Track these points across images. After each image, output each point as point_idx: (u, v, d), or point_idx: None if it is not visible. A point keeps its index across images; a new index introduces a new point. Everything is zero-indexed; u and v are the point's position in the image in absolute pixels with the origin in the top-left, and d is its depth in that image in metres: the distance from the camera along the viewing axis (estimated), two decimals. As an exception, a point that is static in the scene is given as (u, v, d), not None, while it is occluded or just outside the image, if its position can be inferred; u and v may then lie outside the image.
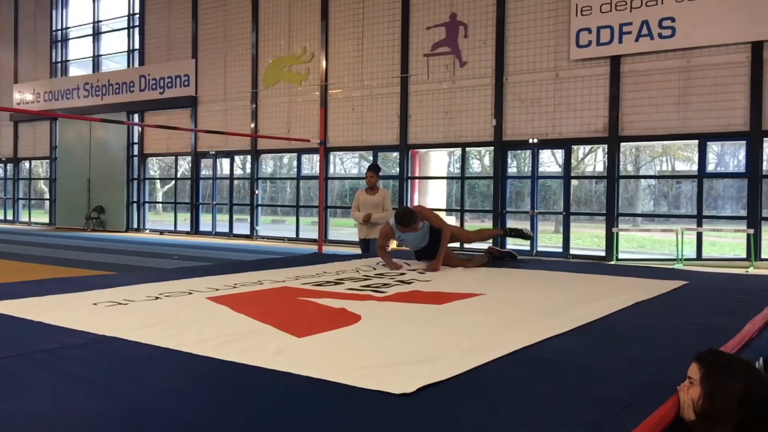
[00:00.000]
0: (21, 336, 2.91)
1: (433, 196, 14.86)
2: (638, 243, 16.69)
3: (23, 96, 21.78)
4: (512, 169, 14.14)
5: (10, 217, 23.15)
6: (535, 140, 12.55)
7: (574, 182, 12.92)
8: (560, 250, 12.59)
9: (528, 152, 13.31)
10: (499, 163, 12.98)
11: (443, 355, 2.61)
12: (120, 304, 3.66)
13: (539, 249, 12.83)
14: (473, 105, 13.28)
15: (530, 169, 13.12)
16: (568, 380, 2.35)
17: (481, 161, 15.82)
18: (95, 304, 3.64)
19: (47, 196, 22.45)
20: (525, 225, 12.13)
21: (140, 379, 2.30)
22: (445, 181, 14.95)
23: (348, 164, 19.94)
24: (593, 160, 17.32)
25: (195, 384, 2.29)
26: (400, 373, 2.35)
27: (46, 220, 22.08)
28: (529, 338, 2.89)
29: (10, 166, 23.02)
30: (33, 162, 22.85)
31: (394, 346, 2.80)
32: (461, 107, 13.43)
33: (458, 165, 13.67)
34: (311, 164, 16.73)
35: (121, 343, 2.79)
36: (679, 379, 2.18)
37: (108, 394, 2.14)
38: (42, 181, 23.29)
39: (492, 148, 13.25)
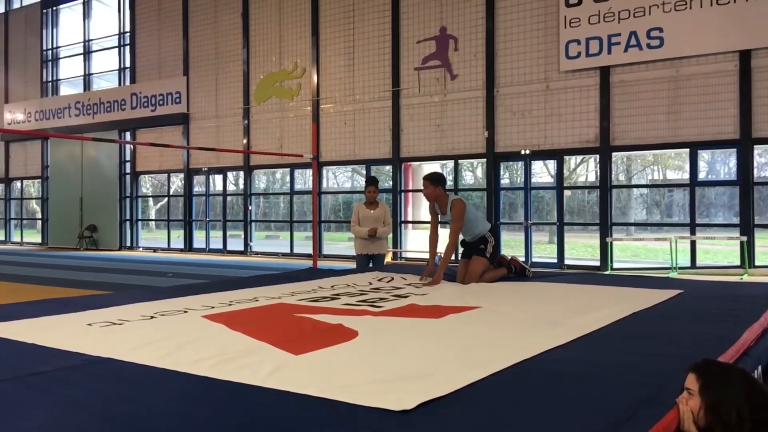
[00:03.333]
0: (14, 359, 2.87)
1: (427, 209, 14.89)
2: (632, 252, 16.75)
3: (14, 116, 21.73)
4: (505, 181, 14.19)
5: (2, 237, 23.02)
6: (527, 151, 12.61)
7: (567, 192, 12.97)
8: (555, 260, 12.61)
9: (520, 163, 13.37)
10: (492, 174, 13.01)
11: (442, 370, 2.60)
12: (115, 324, 3.63)
13: (534, 260, 12.85)
14: (465, 117, 13.34)
15: (523, 180, 13.17)
16: (568, 393, 2.34)
17: (473, 173, 15.87)
18: (90, 324, 3.60)
19: (39, 215, 22.35)
20: (519, 236, 12.15)
21: (136, 401, 2.27)
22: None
23: (341, 178, 19.96)
24: (585, 170, 17.40)
25: (191, 405, 2.26)
26: (399, 389, 2.34)
27: (38, 239, 21.97)
28: (527, 351, 2.87)
29: (1, 186, 22.92)
30: (25, 182, 22.76)
31: (392, 362, 2.78)
32: (453, 120, 13.49)
33: (451, 177, 13.69)
34: (304, 179, 16.73)
35: (116, 364, 2.76)
36: (678, 390, 2.18)
37: (103, 417, 2.11)
38: (34, 200, 23.19)
39: (484, 160, 13.30)
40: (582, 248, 15.60)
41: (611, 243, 11.92)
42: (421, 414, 2.09)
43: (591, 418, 2.06)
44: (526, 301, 4.57)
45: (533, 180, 13.38)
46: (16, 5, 22.36)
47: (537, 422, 2.05)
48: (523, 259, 12.14)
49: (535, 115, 12.56)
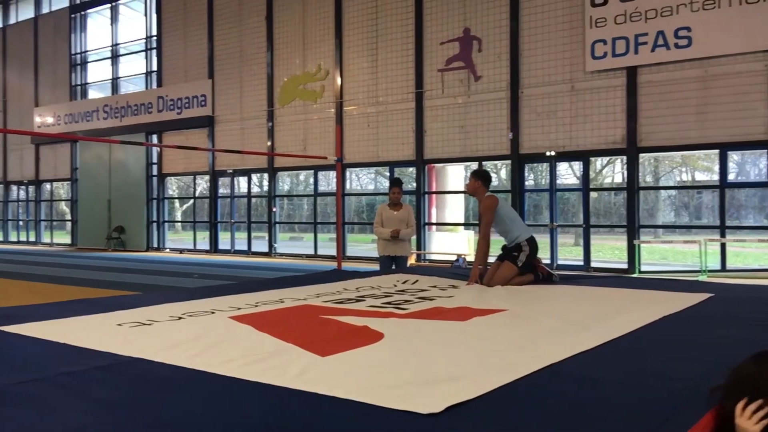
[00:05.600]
0: (46, 358, 2.92)
1: (451, 210, 14.85)
2: (660, 255, 16.51)
3: (44, 119, 22.14)
4: (529, 182, 14.09)
5: (32, 238, 23.46)
6: (553, 153, 12.50)
7: (593, 194, 12.83)
8: (581, 263, 12.48)
9: (545, 165, 13.26)
10: (516, 176, 12.93)
11: (469, 373, 2.58)
12: (144, 324, 3.67)
13: (559, 262, 12.73)
14: (489, 119, 13.28)
15: (548, 181, 13.06)
16: (597, 398, 2.31)
17: (497, 175, 15.79)
18: (119, 324, 3.65)
19: (68, 217, 22.74)
20: (544, 238, 12.04)
21: (166, 401, 2.30)
22: (462, 195, 14.92)
23: (364, 180, 19.97)
24: (611, 171, 17.20)
25: (220, 405, 2.27)
26: (427, 392, 2.33)
27: (67, 240, 22.34)
28: (555, 355, 2.84)
29: (32, 188, 23.37)
30: (54, 184, 23.19)
31: (418, 364, 2.77)
32: (477, 121, 13.43)
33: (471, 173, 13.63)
34: (327, 180, 16.79)
35: (145, 365, 2.79)
36: (713, 395, 2.13)
37: (133, 417, 2.14)
38: (63, 202, 23.60)
39: (509, 161, 13.22)
40: (609, 251, 15.42)
41: (639, 245, 11.76)
42: (449, 417, 2.08)
43: (621, 425, 2.03)
44: (553, 305, 4.53)
45: (558, 181, 13.26)
46: (45, 10, 22.79)
47: (566, 428, 2.02)
48: (548, 261, 12.07)
49: (560, 116, 12.45)
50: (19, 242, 23.77)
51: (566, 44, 12.39)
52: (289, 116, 16.33)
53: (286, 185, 18.64)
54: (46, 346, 3.16)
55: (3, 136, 23.92)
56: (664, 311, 4.02)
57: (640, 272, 11.54)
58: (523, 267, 5.52)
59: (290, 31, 16.36)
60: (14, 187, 24.14)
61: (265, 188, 17.36)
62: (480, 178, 5.77)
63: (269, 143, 16.55)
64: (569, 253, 14.84)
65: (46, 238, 23.30)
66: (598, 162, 13.98)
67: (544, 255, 12.95)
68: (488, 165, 14.01)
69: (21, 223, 24.23)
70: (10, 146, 23.68)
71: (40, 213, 23.42)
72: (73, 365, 2.74)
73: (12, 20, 23.90)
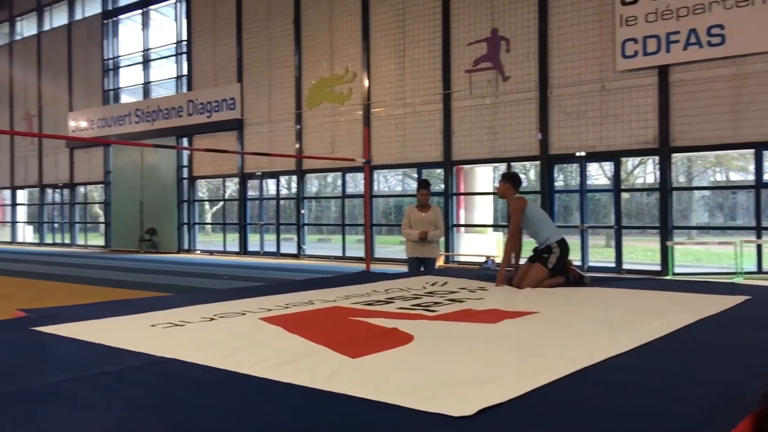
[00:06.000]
0: (82, 358, 2.98)
1: (480, 212, 14.78)
2: (694, 256, 16.20)
3: (78, 123, 22.61)
4: (559, 183, 13.93)
5: (67, 240, 23.96)
6: (583, 153, 12.36)
7: (624, 195, 12.65)
8: (613, 265, 12.31)
9: (575, 165, 13.12)
10: (546, 177, 12.82)
11: (501, 376, 2.57)
12: (177, 325, 3.72)
13: (590, 264, 12.58)
14: (517, 119, 13.19)
15: (578, 182, 12.92)
16: (631, 404, 2.27)
17: (526, 176, 15.66)
18: (153, 325, 3.71)
19: (102, 219, 23.18)
20: (575, 240, 11.91)
21: (198, 402, 2.33)
22: (491, 196, 14.82)
23: (392, 182, 19.97)
24: (643, 171, 16.94)
25: (252, 406, 2.29)
26: (458, 394, 2.32)
27: (101, 242, 22.77)
28: (589, 358, 2.81)
29: (66, 191, 23.87)
30: (88, 187, 23.66)
31: (449, 367, 2.76)
32: (505, 122, 13.35)
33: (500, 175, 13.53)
34: (355, 182, 16.83)
35: (179, 365, 2.83)
36: (748, 399, 2.09)
37: (167, 416, 2.17)
38: (97, 205, 24.06)
39: (538, 162, 13.11)
40: (641, 252, 15.18)
41: (672, 247, 11.56)
42: (481, 420, 2.07)
43: (659, 428, 2.00)
44: (585, 307, 4.48)
45: (588, 182, 13.09)
46: (78, 17, 23.27)
47: None
48: (579, 263, 11.93)
49: (591, 116, 12.31)
50: (54, 244, 24.29)
51: (596, 43, 12.24)
52: (317, 118, 16.42)
53: (314, 187, 18.74)
54: (83, 346, 3.22)
55: (39, 141, 24.48)
56: (699, 314, 3.94)
57: (674, 274, 11.35)
58: (554, 269, 5.46)
59: (318, 34, 16.45)
60: (50, 191, 24.69)
61: (294, 190, 17.49)
62: (509, 180, 5.80)
63: (297, 145, 16.66)
64: (600, 255, 14.64)
65: (80, 240, 23.78)
66: (629, 162, 13.76)
67: (574, 257, 12.81)
68: (517, 166, 13.92)
69: (56, 225, 24.76)
70: (46, 150, 24.22)
71: (75, 215, 23.91)
72: (109, 365, 2.79)
73: (46, 27, 24.45)
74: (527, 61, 13.08)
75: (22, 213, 26.61)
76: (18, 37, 25.68)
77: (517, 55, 13.21)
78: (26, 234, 26.22)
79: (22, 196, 26.29)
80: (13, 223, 26.37)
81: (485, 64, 13.60)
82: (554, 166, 13.06)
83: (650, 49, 11.53)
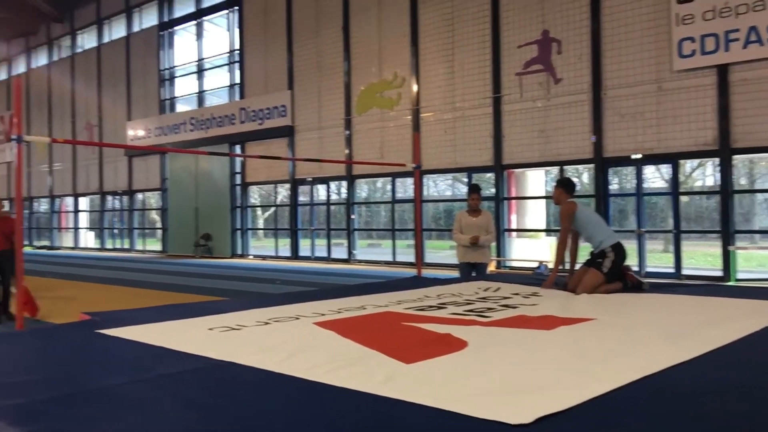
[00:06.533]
0: (144, 360, 3.07)
1: (532, 216, 14.57)
2: (758, 262, 15.54)
3: (136, 132, 23.34)
4: (614, 187, 13.60)
5: (126, 245, 24.73)
6: (639, 155, 12.05)
7: (683, 198, 12.26)
8: (672, 270, 11.94)
9: (630, 168, 12.80)
10: (600, 180, 12.55)
11: (559, 384, 2.52)
12: (233, 329, 3.79)
13: (648, 270, 12.23)
14: (570, 122, 12.96)
15: (634, 185, 12.60)
16: (698, 412, 2.20)
17: (579, 179, 15.35)
18: (210, 329, 3.79)
19: (159, 225, 23.83)
20: (631, 245, 11.61)
21: (257, 405, 2.36)
22: (543, 201, 14.58)
23: (441, 186, 19.89)
24: (702, 174, 16.40)
25: (309, 410, 2.31)
26: (515, 402, 2.29)
27: (158, 247, 23.42)
28: (650, 366, 2.73)
29: (125, 198, 24.66)
30: (146, 193, 24.38)
31: (505, 374, 2.73)
32: (557, 125, 13.14)
33: (554, 185, 13.29)
34: (405, 187, 16.84)
35: (237, 368, 2.88)
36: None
37: (226, 419, 2.20)
38: (154, 211, 24.76)
39: (592, 165, 12.85)
40: (701, 257, 14.69)
41: (734, 252, 11.15)
42: (539, 428, 2.04)
43: (727, 440, 1.93)
44: (644, 314, 4.36)
45: (645, 185, 12.74)
46: (135, 29, 24.06)
47: (666, 442, 1.94)
48: (636, 268, 11.61)
49: (647, 118, 12.00)
50: (114, 249, 25.11)
51: (651, 43, 11.94)
52: (366, 124, 16.51)
53: (364, 192, 18.84)
54: (144, 348, 3.31)
55: (99, 150, 25.38)
56: (764, 322, 3.79)
57: (737, 280, 10.93)
58: (609, 274, 5.34)
59: (367, 40, 16.56)
60: (110, 197, 25.55)
61: (344, 195, 17.61)
62: (561, 186, 5.81)
63: (347, 151, 16.78)
64: (658, 261, 14.21)
65: (139, 246, 24.52)
66: (687, 164, 13.33)
67: (631, 262, 12.49)
68: (569, 169, 13.68)
69: (116, 231, 25.60)
70: (106, 159, 25.09)
71: (134, 221, 24.67)
72: (170, 368, 2.86)
73: (106, 39, 25.35)
74: (579, 62, 12.85)
75: (84, 219, 27.63)
76: (79, 50, 26.70)
77: (569, 56, 12.99)
78: (88, 239, 27.19)
79: (84, 203, 27.29)
80: (76, 229, 27.39)
81: (536, 66, 13.43)
82: (609, 169, 12.78)
83: (708, 48, 11.17)
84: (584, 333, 3.64)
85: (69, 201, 27.65)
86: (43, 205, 29.23)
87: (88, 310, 4.46)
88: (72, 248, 26.94)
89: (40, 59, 28.89)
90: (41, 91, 27.62)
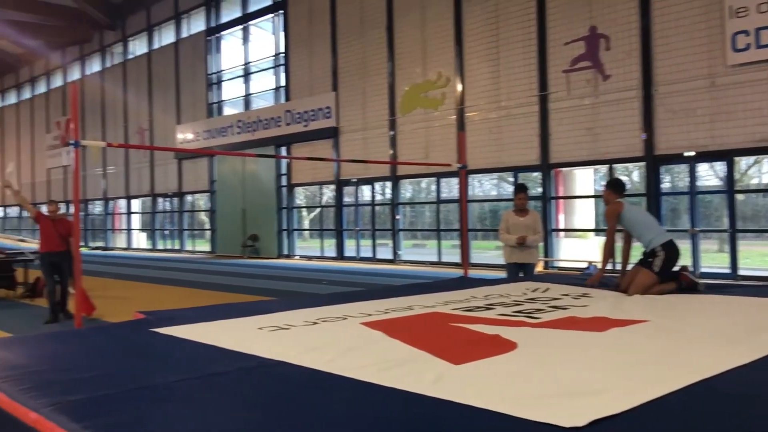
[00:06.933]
0: (197, 359, 3.13)
1: (580, 216, 14.30)
2: (819, 261, 14.95)
3: (185, 135, 23.87)
4: (666, 185, 13.24)
5: (177, 246, 25.32)
6: (692, 153, 11.72)
7: (739, 196, 11.86)
8: (727, 271, 11.56)
9: (683, 166, 12.45)
10: (652, 178, 12.24)
11: (613, 386, 2.47)
12: (282, 329, 3.84)
13: (702, 270, 11.87)
14: (619, 119, 12.69)
15: (686, 183, 12.25)
16: (760, 416, 2.12)
17: (629, 178, 14.99)
18: (260, 328, 3.85)
19: (208, 226, 24.32)
20: (684, 245, 11.30)
21: (308, 404, 2.38)
22: (592, 200, 14.30)
23: (486, 186, 19.73)
24: (759, 171, 15.83)
25: (359, 409, 2.32)
26: (568, 404, 2.25)
27: (207, 248, 23.90)
28: (708, 369, 2.65)
29: (175, 200, 25.25)
30: (195, 195, 24.91)
31: (556, 376, 2.69)
32: (606, 122, 12.88)
33: (603, 183, 13.01)
34: (449, 187, 16.76)
35: (287, 367, 2.91)
36: None
37: (278, 417, 2.23)
38: (203, 212, 25.27)
39: (642, 163, 12.55)
40: (758, 257, 14.17)
41: (792, 251, 10.73)
42: (593, 432, 2.00)
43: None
44: (700, 316, 4.23)
45: (698, 183, 12.37)
46: (184, 35, 24.60)
47: (727, 448, 1.88)
48: (690, 269, 11.27)
49: (700, 114, 11.65)
50: (165, 250, 25.73)
51: (703, 37, 11.58)
52: (411, 124, 16.50)
53: (408, 193, 18.83)
54: (197, 347, 3.39)
55: (150, 153, 26.07)
56: (831, 325, 3.63)
57: (796, 281, 10.52)
58: (661, 273, 5.22)
59: (410, 40, 16.55)
60: (160, 199, 26.19)
61: (388, 196, 17.64)
62: (609, 187, 5.78)
63: (391, 152, 16.80)
64: (713, 261, 13.78)
65: (188, 246, 25.07)
66: (743, 162, 12.88)
67: (685, 262, 12.15)
68: (619, 168, 13.39)
69: (167, 232, 26.23)
70: (157, 162, 25.74)
71: (183, 223, 25.25)
72: (222, 366, 2.92)
73: (156, 45, 26.01)
74: (629, 58, 12.56)
75: (136, 221, 28.41)
76: (130, 56, 27.47)
77: (618, 52, 12.72)
78: (140, 240, 27.95)
79: (136, 204, 28.06)
80: (129, 230, 28.19)
81: (584, 63, 13.19)
82: (660, 167, 12.45)
83: (764, 42, 10.77)
84: (637, 335, 3.56)
85: (122, 203, 28.47)
86: (97, 207, 30.17)
87: (141, 309, 4.58)
88: (125, 249, 27.73)
89: (94, 66, 29.84)
90: (95, 96, 28.51)
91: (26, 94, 35.01)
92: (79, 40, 29.81)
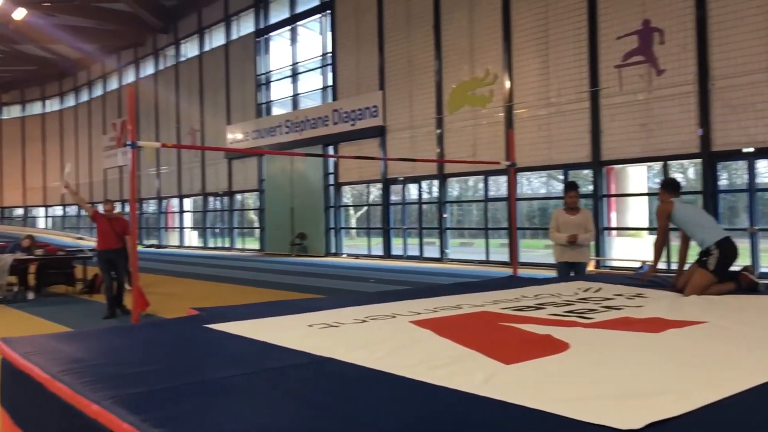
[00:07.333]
0: (250, 355, 3.19)
1: (633, 214, 13.96)
2: None
3: (234, 135, 24.31)
4: (723, 182, 12.81)
5: (227, 244, 25.83)
6: (751, 149, 11.30)
7: (801, 194, 11.36)
8: (789, 270, 11.12)
9: (742, 162, 12.02)
10: (708, 176, 11.86)
11: (670, 389, 2.40)
12: (332, 326, 3.87)
13: (762, 270, 11.44)
14: (674, 115, 12.34)
15: (746, 180, 11.82)
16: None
17: (684, 175, 14.57)
18: (310, 325, 3.89)
19: (257, 224, 24.72)
20: (743, 244, 10.90)
21: (358, 401, 2.39)
22: (646, 198, 13.92)
23: (535, 184, 19.47)
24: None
25: (409, 407, 2.32)
26: (623, 406, 2.21)
27: (256, 246, 24.29)
28: (766, 373, 2.56)
29: (226, 199, 25.75)
30: (244, 194, 25.35)
31: (611, 377, 2.63)
32: (660, 118, 12.54)
33: (657, 180, 12.70)
34: (497, 185, 16.60)
35: (337, 364, 2.94)
36: None
37: (330, 413, 2.25)
38: (252, 211, 25.70)
39: (698, 160, 12.17)
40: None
41: None
42: (651, 435, 1.95)
43: None
44: (761, 318, 4.08)
45: (758, 180, 11.92)
46: (234, 37, 25.05)
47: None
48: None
49: (759, 109, 11.22)
50: (216, 248, 26.27)
51: (763, 29, 11.15)
52: (458, 122, 16.41)
53: (455, 191, 18.74)
54: (249, 343, 3.45)
55: (201, 153, 26.65)
56: None
57: None
58: (717, 272, 5.06)
59: (458, 38, 16.45)
60: (211, 198, 26.76)
61: (435, 194, 17.58)
62: (662, 186, 5.72)
63: (438, 150, 16.74)
64: (773, 260, 13.26)
65: (238, 244, 25.54)
66: (806, 157, 12.37)
67: (744, 262, 11.74)
68: (674, 165, 13.01)
69: (217, 230, 26.78)
70: (208, 161, 26.30)
71: (233, 221, 25.73)
72: (275, 362, 2.96)
73: (207, 48, 26.57)
74: (684, 52, 12.19)
75: (188, 219, 29.10)
76: (182, 59, 28.13)
77: (672, 46, 12.36)
78: (192, 238, 28.62)
79: (188, 203, 28.74)
80: (181, 228, 28.89)
81: (637, 57, 12.86)
82: (717, 164, 12.05)
83: (831, 31, 10.30)
84: (695, 336, 3.45)
85: (174, 202, 29.20)
86: (151, 206, 31.01)
87: (193, 306, 4.69)
88: (177, 246, 28.43)
89: (148, 69, 30.67)
90: (148, 98, 29.30)
91: (84, 97, 36.27)
92: (133, 43, 30.71)
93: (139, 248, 27.51)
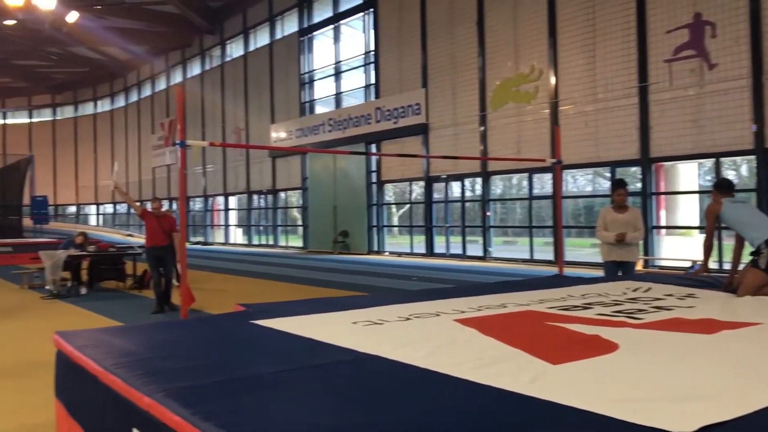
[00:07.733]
0: (296, 351, 3.22)
1: (684, 213, 13.59)
2: None
3: (278, 134, 24.61)
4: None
5: (271, 241, 26.17)
6: (809, 145, 10.88)
7: None
8: None
9: (799, 159, 11.57)
10: (763, 173, 11.46)
11: (724, 392, 2.33)
12: (376, 323, 3.88)
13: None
14: (726, 110, 11.96)
15: (803, 178, 11.38)
16: None
17: (737, 172, 14.12)
18: (354, 323, 3.90)
19: (300, 222, 24.98)
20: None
21: (405, 399, 2.39)
22: (696, 196, 13.54)
23: (580, 182, 19.13)
24: None
25: (454, 405, 2.31)
26: (675, 409, 2.15)
27: (300, 244, 24.56)
28: (834, 378, 2.45)
29: (270, 197, 26.09)
30: (288, 192, 25.64)
31: (662, 379, 2.57)
32: (712, 114, 12.18)
33: (708, 178, 12.33)
34: (541, 183, 16.37)
35: (382, 362, 2.94)
36: None
37: (376, 411, 2.25)
38: (295, 209, 25.99)
39: (752, 156, 11.78)
40: None
41: None
42: (704, 439, 1.90)
43: None
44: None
45: (816, 177, 11.48)
46: (278, 36, 25.34)
47: None
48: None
49: (818, 103, 10.80)
50: (260, 245, 26.65)
51: (824, 19, 10.72)
52: (502, 119, 16.25)
53: (498, 189, 18.56)
54: (295, 339, 3.48)
55: (246, 152, 27.06)
56: None
57: None
58: None
59: (501, 34, 16.29)
60: (255, 196, 27.15)
61: (478, 192, 17.46)
62: (715, 187, 5.64)
63: (481, 147, 16.61)
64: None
65: (282, 242, 25.85)
66: None
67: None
68: (726, 162, 12.62)
69: (261, 228, 27.17)
70: (252, 160, 26.69)
71: (277, 219, 26.06)
72: (320, 359, 2.98)
73: (251, 48, 26.95)
74: (736, 45, 11.81)
75: (233, 217, 29.60)
76: (228, 59, 28.60)
77: (725, 40, 11.98)
78: (237, 236, 29.10)
79: (233, 201, 29.23)
80: (226, 226, 29.41)
81: (688, 52, 12.52)
82: (772, 161, 11.65)
83: None
84: (750, 338, 3.35)
85: (220, 200, 29.73)
86: (197, 204, 31.65)
87: (238, 302, 4.76)
88: (223, 243, 28.94)
89: (194, 69, 31.29)
90: (195, 98, 29.90)
91: (133, 98, 37.25)
92: (180, 44, 31.38)
93: (186, 245, 28.12)
